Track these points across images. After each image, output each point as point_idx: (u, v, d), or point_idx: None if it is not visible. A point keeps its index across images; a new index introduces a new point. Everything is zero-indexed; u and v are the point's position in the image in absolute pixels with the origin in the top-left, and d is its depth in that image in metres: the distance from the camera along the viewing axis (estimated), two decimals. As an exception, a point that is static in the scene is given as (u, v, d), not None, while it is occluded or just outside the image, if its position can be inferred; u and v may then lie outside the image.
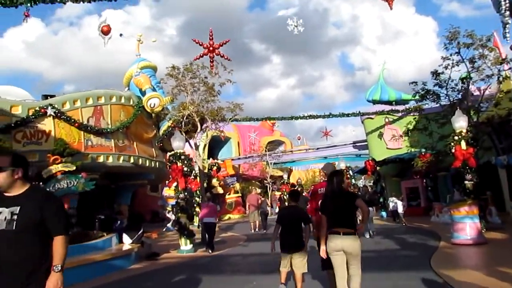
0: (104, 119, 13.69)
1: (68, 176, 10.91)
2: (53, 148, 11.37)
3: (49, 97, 13.25)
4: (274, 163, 34.96)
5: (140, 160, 14.80)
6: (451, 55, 15.43)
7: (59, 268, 2.73)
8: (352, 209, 4.95)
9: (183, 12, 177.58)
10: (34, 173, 9.99)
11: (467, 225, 10.59)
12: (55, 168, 10.92)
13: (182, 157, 13.01)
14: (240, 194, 32.39)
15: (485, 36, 14.99)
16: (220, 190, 28.16)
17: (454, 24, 17.64)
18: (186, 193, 13.01)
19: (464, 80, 15.86)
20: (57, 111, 12.13)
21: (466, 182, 11.55)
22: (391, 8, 7.85)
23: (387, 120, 24.15)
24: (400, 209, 18.12)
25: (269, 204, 26.33)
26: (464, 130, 11.84)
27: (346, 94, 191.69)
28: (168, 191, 21.35)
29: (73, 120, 12.48)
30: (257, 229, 18.42)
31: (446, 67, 15.73)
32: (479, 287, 6.08)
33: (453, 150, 11.84)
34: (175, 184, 13.55)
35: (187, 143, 15.63)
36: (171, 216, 19.16)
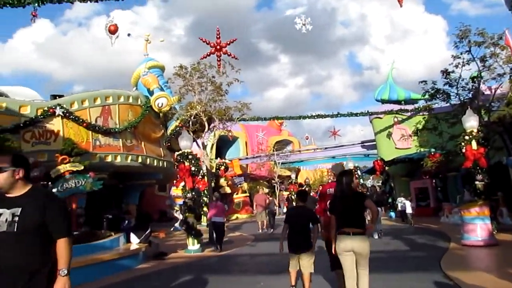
0: (112, 119, 13.73)
1: (76, 175, 10.96)
2: (61, 148, 11.43)
3: (57, 97, 13.34)
4: (282, 163, 34.87)
5: (148, 159, 14.82)
6: (461, 53, 15.27)
7: (66, 272, 2.68)
8: (361, 210, 4.95)
9: (191, 12, 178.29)
10: (43, 172, 10.04)
11: (478, 226, 10.44)
12: (63, 167, 10.98)
13: (190, 156, 12.99)
14: (247, 194, 32.35)
15: (497, 34, 14.81)
16: (228, 190, 28.15)
17: (464, 22, 17.44)
18: (193, 193, 12.98)
19: (475, 79, 15.67)
20: (65, 111, 12.19)
21: (476, 182, 11.37)
22: (401, 6, 7.74)
23: (396, 119, 23.96)
24: (409, 210, 17.97)
25: (277, 204, 26.25)
26: (475, 130, 11.68)
27: (354, 94, 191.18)
28: (175, 191, 21.37)
29: (81, 120, 12.54)
30: (264, 228, 18.37)
31: (456, 66, 15.56)
32: (491, 289, 5.97)
33: (463, 150, 11.68)
34: (182, 183, 13.54)
35: (194, 143, 15.60)
36: (179, 216, 19.17)
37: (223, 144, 33.99)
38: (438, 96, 16.70)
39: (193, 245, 12.50)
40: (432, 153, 18.74)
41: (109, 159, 13.17)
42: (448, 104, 16.89)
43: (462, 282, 6.45)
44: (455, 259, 9.01)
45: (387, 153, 23.80)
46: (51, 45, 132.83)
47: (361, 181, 29.62)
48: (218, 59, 11.61)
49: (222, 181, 27.60)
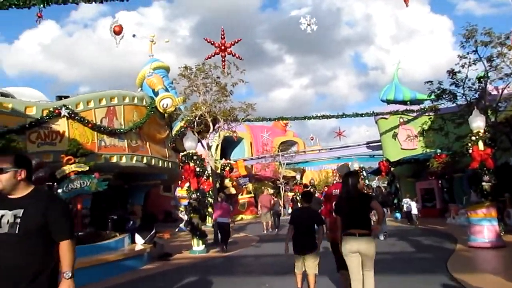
0: (117, 120, 13.77)
1: (82, 176, 10.99)
2: (66, 149, 11.47)
3: (63, 98, 13.38)
4: (287, 164, 34.78)
5: (153, 160, 14.84)
6: (468, 53, 15.16)
7: (70, 274, 2.65)
8: (367, 211, 4.95)
9: (196, 13, 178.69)
10: (48, 173, 10.07)
11: (485, 228, 10.34)
12: (69, 168, 11.01)
13: (195, 157, 12.98)
14: (252, 195, 32.32)
15: (504, 34, 14.67)
16: (233, 191, 28.14)
17: (471, 22, 17.27)
18: (198, 194, 12.98)
19: (482, 79, 15.55)
20: (71, 112, 12.24)
21: (483, 183, 11.25)
22: (407, 5, 7.68)
23: (401, 120, 23.83)
24: (414, 211, 17.87)
25: (282, 205, 26.20)
26: (482, 130, 11.57)
27: (360, 94, 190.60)
28: (180, 192, 21.41)
29: (86, 121, 12.58)
30: (269, 229, 18.34)
31: (463, 66, 15.46)
32: (498, 292, 5.90)
33: (470, 151, 11.58)
34: (187, 184, 13.53)
35: (199, 144, 15.58)
36: (184, 217, 19.17)
37: (228, 145, 33.99)
38: (444, 96, 16.60)
39: (197, 246, 12.49)
40: (438, 154, 18.61)
41: (114, 159, 13.20)
42: (454, 105, 16.78)
43: (469, 284, 6.38)
44: (462, 261, 8.93)
45: (392, 154, 23.67)
46: (57, 46, 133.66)
47: (367, 182, 29.48)
48: (223, 59, 11.59)
49: (227, 182, 27.60)
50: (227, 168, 27.36)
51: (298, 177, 32.33)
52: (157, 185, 20.56)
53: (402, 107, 24.06)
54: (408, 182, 23.82)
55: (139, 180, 16.23)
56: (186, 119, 17.29)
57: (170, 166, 16.28)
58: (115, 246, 10.67)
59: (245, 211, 30.68)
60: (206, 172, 17.39)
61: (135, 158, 13.84)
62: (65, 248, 2.67)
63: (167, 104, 15.69)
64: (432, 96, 17.29)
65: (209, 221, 18.63)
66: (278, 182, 34.46)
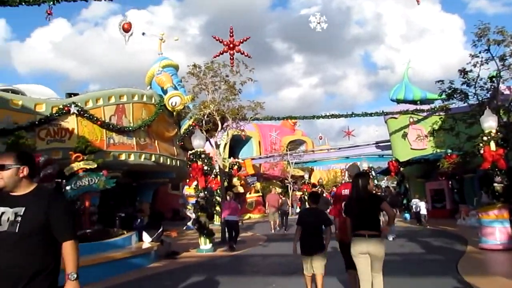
0: (126, 118, 13.81)
1: (90, 173, 11.02)
2: (75, 146, 11.52)
3: (72, 96, 13.46)
4: (295, 163, 34.66)
5: (161, 158, 14.87)
6: (480, 52, 14.92)
7: (75, 276, 2.59)
8: (377, 212, 4.90)
9: (206, 12, 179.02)
10: (56, 170, 10.10)
11: (497, 230, 10.18)
12: (77, 165, 11.05)
13: (203, 156, 12.95)
14: (260, 194, 32.27)
15: (517, 33, 14.41)
16: (241, 190, 28.10)
17: (483, 20, 16.89)
18: (206, 192, 12.95)
19: (494, 79, 15.31)
20: (80, 109, 12.30)
21: (495, 184, 11.07)
22: (418, 3, 7.57)
23: (411, 119, 23.58)
24: (423, 211, 17.68)
25: (290, 204, 26.13)
26: (494, 131, 11.38)
27: (369, 93, 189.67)
28: (188, 190, 21.41)
29: (95, 118, 12.63)
30: (277, 228, 18.28)
31: (474, 65, 15.24)
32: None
33: (481, 151, 11.40)
34: (195, 183, 13.52)
35: (207, 142, 15.57)
36: (191, 215, 19.19)
37: (236, 144, 33.97)
38: (455, 96, 16.38)
39: (205, 245, 12.47)
40: (449, 154, 18.39)
41: (122, 157, 13.24)
42: (465, 104, 16.54)
43: (480, 287, 6.26)
44: (473, 262, 8.79)
45: (402, 154, 23.44)
46: (68, 44, 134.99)
47: (376, 182, 29.27)
48: (231, 57, 11.56)
49: (235, 181, 27.56)
50: (235, 167, 27.33)
51: (306, 176, 32.25)
52: (165, 183, 20.60)
53: (412, 107, 23.80)
54: (418, 182, 23.59)
55: (147, 178, 16.27)
56: (194, 117, 17.28)
57: (178, 164, 16.29)
58: (123, 244, 10.68)
59: (253, 210, 30.65)
60: (214, 170, 17.36)
61: (143, 156, 13.86)
62: (68, 248, 2.61)
63: (175, 102, 15.70)
64: (443, 96, 17.07)
65: (217, 220, 18.62)
66: (286, 181, 34.38)
